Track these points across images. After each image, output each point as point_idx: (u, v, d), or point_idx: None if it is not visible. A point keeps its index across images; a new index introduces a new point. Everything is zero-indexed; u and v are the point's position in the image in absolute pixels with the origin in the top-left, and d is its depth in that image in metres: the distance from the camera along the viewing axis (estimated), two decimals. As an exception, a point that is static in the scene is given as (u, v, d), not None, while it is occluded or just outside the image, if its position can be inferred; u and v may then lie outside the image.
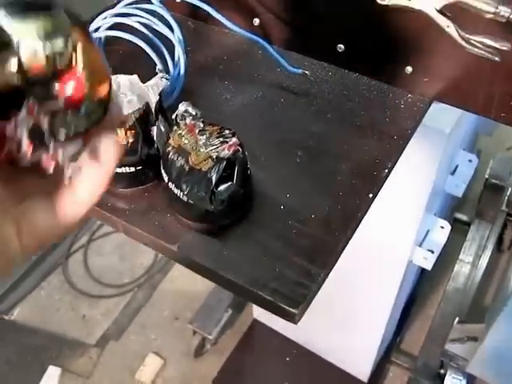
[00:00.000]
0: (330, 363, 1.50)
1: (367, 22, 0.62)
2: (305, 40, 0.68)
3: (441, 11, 0.55)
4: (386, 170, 0.57)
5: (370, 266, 1.12)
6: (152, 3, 0.58)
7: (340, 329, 1.38)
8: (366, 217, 0.54)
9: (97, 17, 0.62)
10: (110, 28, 0.60)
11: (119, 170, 0.51)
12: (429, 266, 1.09)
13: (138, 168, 0.51)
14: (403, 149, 0.60)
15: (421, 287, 1.63)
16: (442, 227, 1.07)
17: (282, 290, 0.46)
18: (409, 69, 0.63)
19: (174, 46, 0.58)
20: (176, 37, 0.57)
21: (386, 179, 0.57)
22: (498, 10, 0.51)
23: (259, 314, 1.58)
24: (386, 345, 1.49)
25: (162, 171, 0.50)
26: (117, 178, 0.52)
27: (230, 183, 0.48)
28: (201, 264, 0.49)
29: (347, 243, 0.51)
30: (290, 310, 0.46)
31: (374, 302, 1.24)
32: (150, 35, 0.56)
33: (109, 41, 0.63)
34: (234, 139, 0.48)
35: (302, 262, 0.49)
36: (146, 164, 0.51)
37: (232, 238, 0.50)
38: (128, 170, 0.51)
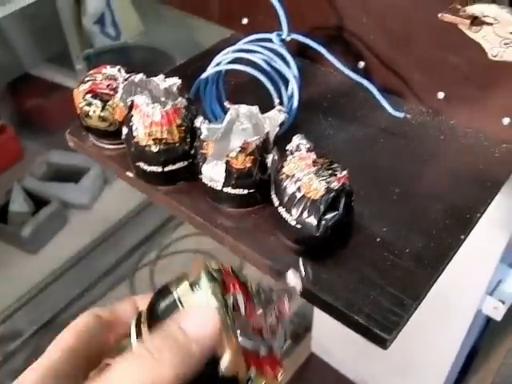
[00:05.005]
0: (384, 406, 1.48)
1: (473, 74, 0.65)
2: (406, 85, 0.72)
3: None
4: (478, 214, 0.59)
5: (437, 312, 1.12)
6: (272, 42, 0.63)
7: (398, 373, 1.37)
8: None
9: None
10: (229, 63, 0.66)
11: (234, 192, 0.56)
12: (498, 317, 1.08)
13: (251, 191, 0.56)
14: (494, 196, 0.62)
15: (485, 339, 1.59)
16: (515, 278, 1.07)
17: (375, 316, 0.50)
18: (506, 120, 0.66)
19: (287, 81, 0.63)
20: (292, 73, 0.62)
21: (477, 223, 0.59)
22: None
23: (317, 348, 1.59)
24: (445, 395, 1.46)
25: (273, 196, 0.55)
26: (229, 199, 0.57)
27: (336, 212, 0.52)
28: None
29: (437, 279, 0.54)
30: (383, 335, 0.49)
31: (437, 349, 1.23)
32: (269, 70, 0.61)
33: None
34: (345, 173, 0.52)
35: (395, 292, 0.52)
36: (257, 188, 0.56)
37: (331, 263, 0.54)
38: (242, 192, 0.56)
